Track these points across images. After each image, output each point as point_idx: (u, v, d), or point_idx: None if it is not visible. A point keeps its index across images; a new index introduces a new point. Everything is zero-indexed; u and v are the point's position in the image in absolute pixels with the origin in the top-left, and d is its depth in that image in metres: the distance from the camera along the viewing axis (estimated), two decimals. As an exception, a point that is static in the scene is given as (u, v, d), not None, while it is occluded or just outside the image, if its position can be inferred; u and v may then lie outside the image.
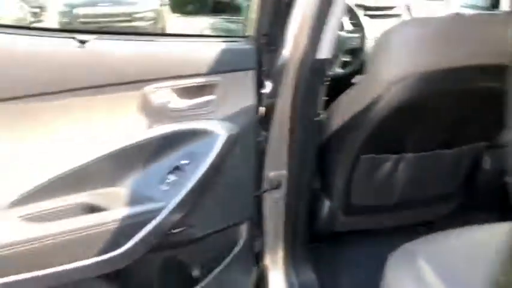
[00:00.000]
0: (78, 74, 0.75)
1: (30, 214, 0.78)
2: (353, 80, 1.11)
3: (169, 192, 0.87)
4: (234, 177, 0.97)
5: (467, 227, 0.88)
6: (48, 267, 0.78)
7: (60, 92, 0.74)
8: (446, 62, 0.92)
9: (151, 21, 6.12)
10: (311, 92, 1.05)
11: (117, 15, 5.81)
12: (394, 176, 1.18)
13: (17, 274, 0.75)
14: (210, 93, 0.89)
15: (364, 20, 1.74)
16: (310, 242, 1.28)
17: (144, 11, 6.07)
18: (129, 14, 5.94)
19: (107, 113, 0.81)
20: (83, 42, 0.71)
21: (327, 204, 1.28)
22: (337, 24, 0.97)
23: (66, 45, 0.72)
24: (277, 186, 1.14)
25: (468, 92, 0.98)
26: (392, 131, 1.06)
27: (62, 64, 0.73)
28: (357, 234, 1.34)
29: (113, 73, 0.77)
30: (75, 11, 5.73)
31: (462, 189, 1.30)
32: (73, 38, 0.71)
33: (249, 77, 0.92)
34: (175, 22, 2.68)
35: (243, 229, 1.07)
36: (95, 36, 0.75)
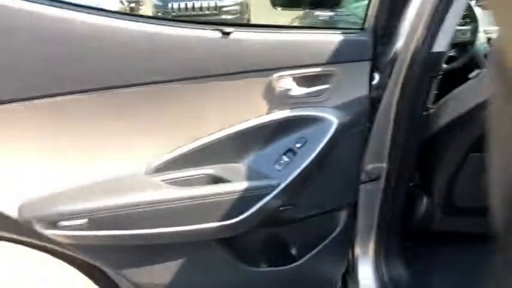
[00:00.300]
0: (219, 62, 0.85)
1: (169, 179, 0.91)
2: (470, 75, 1.09)
3: (282, 172, 0.95)
4: (339, 164, 1.02)
5: None
6: (178, 226, 0.91)
7: (202, 77, 0.85)
8: None
9: (237, 15, 6.38)
10: (422, 86, 1.05)
11: (207, 8, 6.15)
12: None
13: (152, 228, 0.89)
14: (325, 83, 0.95)
15: (477, 11, 1.66)
16: (405, 238, 1.28)
17: (231, 5, 6.34)
18: (217, 7, 6.25)
19: (236, 97, 0.91)
20: (226, 33, 0.81)
21: (425, 202, 1.27)
22: (458, 15, 0.96)
23: (210, 36, 0.83)
24: (375, 179, 1.16)
25: None
26: None
27: (205, 52, 0.84)
28: (453, 236, 1.31)
29: (246, 62, 0.86)
30: (169, 5, 6.17)
31: None
32: (218, 29, 0.81)
33: (364, 68, 0.96)
34: (264, 15, 2.75)
35: (342, 216, 1.12)
36: (232, 28, 0.85)
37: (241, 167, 0.96)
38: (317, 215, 1.07)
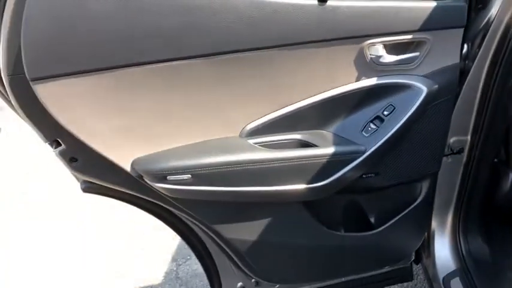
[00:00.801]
0: (314, 29, 0.88)
1: (261, 142, 0.97)
2: None
3: (369, 139, 0.97)
4: (425, 134, 1.02)
5: None
6: (267, 186, 0.97)
7: (297, 44, 0.89)
8: None
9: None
10: None
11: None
12: None
13: (244, 186, 0.96)
14: (416, 50, 0.94)
15: None
16: (486, 215, 1.25)
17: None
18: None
19: (328, 64, 0.94)
20: (323, 1, 0.84)
21: (510, 179, 1.23)
22: None
23: (307, 3, 0.86)
24: (458, 152, 1.14)
25: None
26: None
27: (302, 20, 0.87)
28: None
29: (340, 29, 0.89)
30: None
31: None
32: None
33: (456, 35, 0.94)
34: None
35: (423, 187, 1.12)
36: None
37: (328, 133, 1.00)
38: (398, 184, 1.08)
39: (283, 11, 0.85)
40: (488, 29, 0.98)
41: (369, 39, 0.91)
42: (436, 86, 0.96)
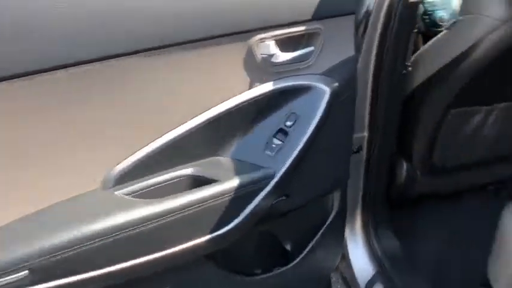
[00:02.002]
0: (181, 25, 0.64)
1: (135, 192, 0.68)
2: (444, 26, 1.02)
3: (276, 158, 0.78)
4: (333, 139, 0.88)
5: None
6: (158, 251, 0.69)
7: (161, 48, 0.63)
8: None
9: None
10: (400, 42, 0.95)
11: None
12: (482, 130, 1.11)
13: (120, 263, 0.65)
14: (310, 44, 0.79)
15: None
16: (390, 207, 1.21)
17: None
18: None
19: (207, 71, 0.70)
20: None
21: (405, 167, 1.20)
22: None
23: None
24: (357, 151, 1.05)
25: None
26: (491, 79, 0.98)
27: (164, 14, 0.62)
28: (434, 198, 1.27)
29: (222, 23, 0.66)
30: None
31: None
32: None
33: (348, 23, 0.82)
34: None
35: (336, 197, 0.99)
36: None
37: (227, 159, 0.76)
38: (312, 201, 0.93)
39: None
40: (370, 14, 0.90)
41: (257, 34, 0.71)
42: (337, 84, 0.82)
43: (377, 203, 1.17)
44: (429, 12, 1.28)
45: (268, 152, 0.78)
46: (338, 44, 0.82)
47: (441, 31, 1.23)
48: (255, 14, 0.69)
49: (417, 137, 1.14)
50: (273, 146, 0.78)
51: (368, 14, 0.91)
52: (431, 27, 1.28)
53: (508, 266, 0.81)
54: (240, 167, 0.75)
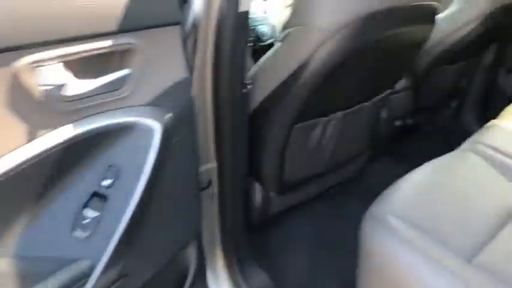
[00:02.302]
0: None
1: None
2: (274, 40, 0.93)
3: (92, 239, 0.51)
4: (175, 186, 0.66)
5: (410, 173, 0.86)
6: None
7: None
8: (379, 4, 0.83)
9: None
10: (236, 57, 0.81)
11: None
12: (323, 140, 1.09)
13: None
14: (123, 66, 0.56)
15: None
16: (251, 236, 1.08)
17: None
18: None
19: None
20: None
21: (259, 190, 1.09)
22: None
23: None
24: (207, 185, 0.88)
25: (394, 37, 0.93)
26: (328, 90, 0.94)
27: None
28: (289, 213, 1.22)
29: None
30: None
31: (369, 141, 1.31)
32: None
33: (173, 37, 0.62)
34: None
35: (191, 251, 0.78)
36: None
37: (10, 261, 0.45)
38: (162, 268, 0.69)
39: None
40: (199, 26, 0.73)
41: (27, 55, 0.44)
42: (170, 115, 0.61)
43: (236, 237, 1.02)
44: (251, 28, 1.23)
45: (78, 233, 0.50)
46: (163, 64, 0.61)
47: (268, 45, 1.19)
48: (25, 24, 0.42)
49: (266, 157, 1.04)
50: (85, 222, 0.51)
51: (196, 25, 0.73)
52: (257, 42, 1.23)
53: (379, 281, 0.75)
54: (33, 269, 0.46)
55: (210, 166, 0.86)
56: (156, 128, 0.57)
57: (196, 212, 0.77)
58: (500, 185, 0.83)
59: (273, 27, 1.26)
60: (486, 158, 0.92)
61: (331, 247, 1.18)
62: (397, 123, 1.39)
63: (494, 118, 1.13)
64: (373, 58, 0.93)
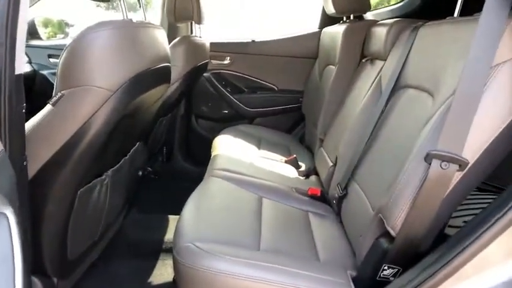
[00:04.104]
0: None
1: None
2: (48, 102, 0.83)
3: None
4: None
5: (186, 204, 1.01)
6: None
7: None
8: (146, 65, 0.95)
9: None
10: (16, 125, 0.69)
11: None
12: (99, 201, 1.05)
13: None
14: None
15: None
16: None
17: None
18: None
19: None
20: None
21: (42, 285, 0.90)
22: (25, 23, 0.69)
23: None
24: None
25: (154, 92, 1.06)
26: (107, 148, 0.94)
27: None
28: None
29: None
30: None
31: (129, 195, 1.33)
32: None
33: None
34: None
35: None
36: None
37: None
38: None
39: None
40: None
41: None
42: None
43: None
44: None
45: None
46: None
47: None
48: None
49: (47, 236, 0.90)
50: None
51: None
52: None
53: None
54: None
55: None
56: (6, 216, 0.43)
57: None
58: (241, 194, 1.12)
59: None
60: (224, 177, 1.20)
61: None
62: (139, 173, 1.49)
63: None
64: (138, 111, 1.02)
